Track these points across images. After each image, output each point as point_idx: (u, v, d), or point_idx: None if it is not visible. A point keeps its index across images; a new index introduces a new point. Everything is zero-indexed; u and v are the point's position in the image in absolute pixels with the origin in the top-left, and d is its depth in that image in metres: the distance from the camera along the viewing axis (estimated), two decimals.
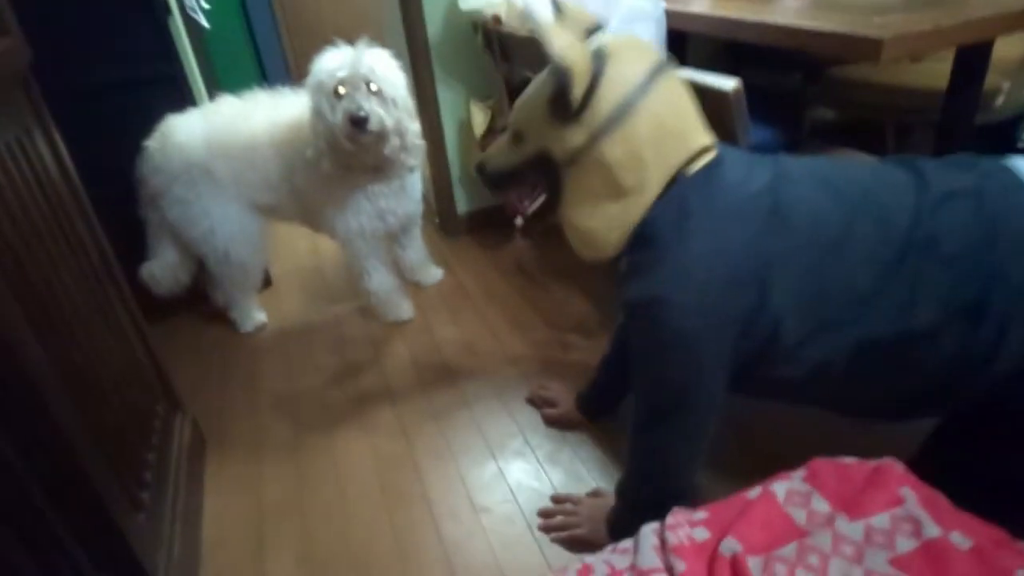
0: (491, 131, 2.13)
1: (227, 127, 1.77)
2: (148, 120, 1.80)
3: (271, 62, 4.42)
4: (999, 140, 1.90)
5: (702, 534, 0.69)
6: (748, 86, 1.07)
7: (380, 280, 1.91)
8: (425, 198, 2.02)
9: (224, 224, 1.82)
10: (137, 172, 1.79)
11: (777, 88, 2.13)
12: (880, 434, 0.99)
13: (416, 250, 2.13)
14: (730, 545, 0.66)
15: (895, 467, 0.74)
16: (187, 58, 2.26)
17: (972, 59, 1.28)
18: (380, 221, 1.82)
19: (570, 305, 1.97)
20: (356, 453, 1.49)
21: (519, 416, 1.53)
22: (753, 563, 0.64)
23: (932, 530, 0.66)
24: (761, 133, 1.35)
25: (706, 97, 0.99)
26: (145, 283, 1.86)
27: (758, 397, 1.01)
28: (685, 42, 1.91)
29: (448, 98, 2.26)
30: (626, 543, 0.71)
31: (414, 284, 2.17)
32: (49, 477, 0.88)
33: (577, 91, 0.85)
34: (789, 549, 0.65)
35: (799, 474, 0.75)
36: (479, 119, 2.16)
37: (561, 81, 0.85)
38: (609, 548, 0.73)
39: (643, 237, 0.89)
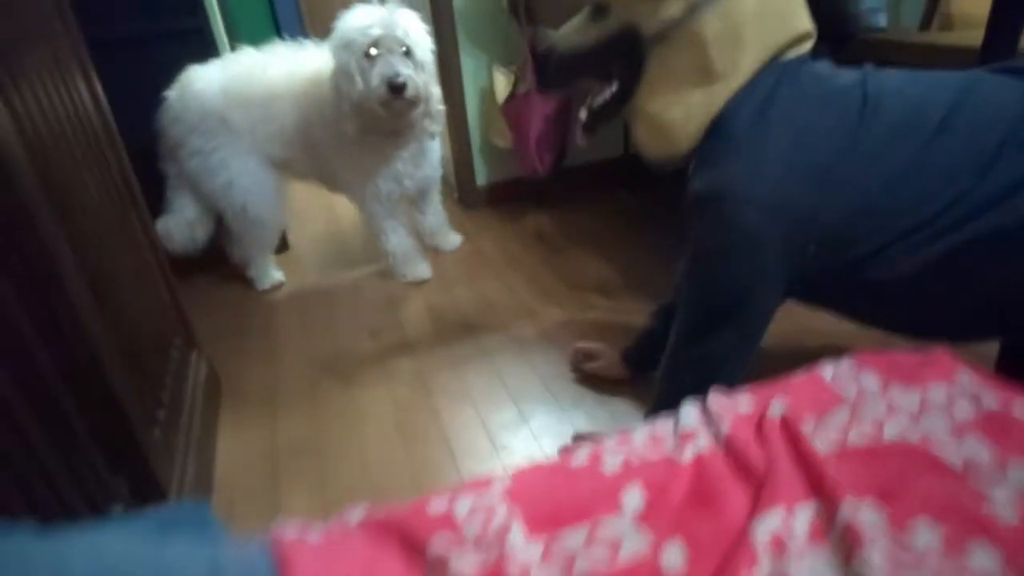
0: (513, 97, 2.12)
1: (245, 77, 1.76)
2: (174, 73, 1.81)
3: (285, 15, 4.41)
4: None
5: (746, 405, 0.66)
6: None
7: (398, 241, 1.90)
8: (444, 167, 2.00)
9: (242, 177, 1.81)
10: (156, 124, 1.79)
11: None
12: None
13: (435, 214, 2.11)
14: (778, 408, 0.63)
15: (948, 355, 0.71)
16: (212, 11, 2.27)
17: None
18: (397, 184, 1.81)
19: (591, 269, 1.94)
20: (374, 397, 1.46)
21: (540, 367, 1.50)
22: (806, 424, 0.60)
23: (991, 403, 0.62)
24: None
25: None
26: (160, 239, 1.85)
27: (834, 308, 0.94)
28: None
29: (470, 65, 2.25)
30: (665, 416, 0.68)
31: (432, 249, 2.15)
32: (72, 377, 0.87)
33: None
34: (841, 414, 0.62)
35: (845, 360, 0.72)
36: (501, 85, 2.15)
37: None
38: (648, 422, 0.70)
39: (719, 128, 0.85)
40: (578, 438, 1.23)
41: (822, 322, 1.07)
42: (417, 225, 2.10)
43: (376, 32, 1.50)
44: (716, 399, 0.67)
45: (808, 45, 0.85)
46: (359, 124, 1.62)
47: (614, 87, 0.94)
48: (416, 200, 2.03)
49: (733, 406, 0.65)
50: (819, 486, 0.54)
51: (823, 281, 0.88)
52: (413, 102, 1.58)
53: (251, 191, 1.84)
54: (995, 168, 0.75)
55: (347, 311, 1.87)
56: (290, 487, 1.23)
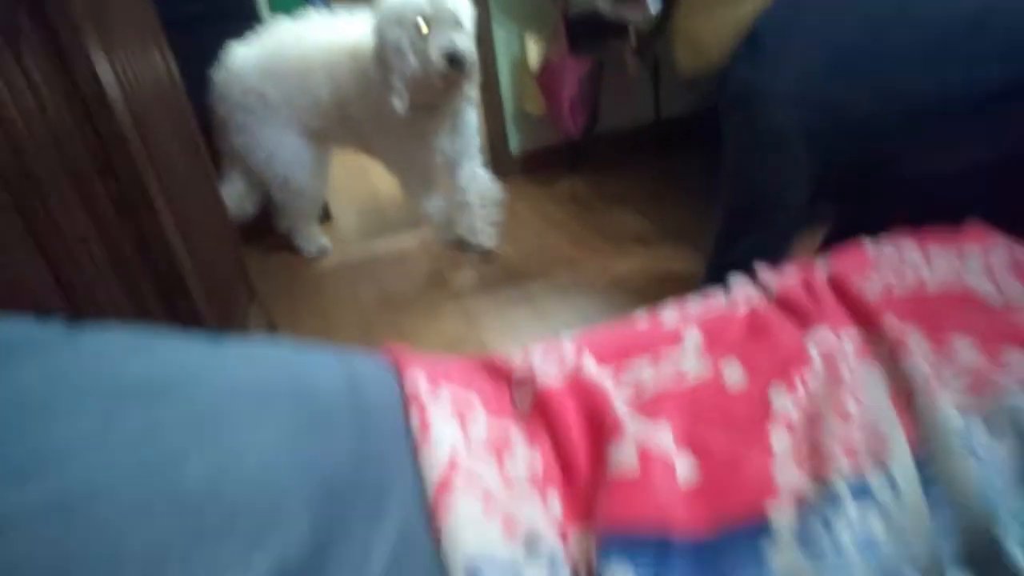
0: (546, 63, 2.17)
1: (278, 51, 1.79)
2: (223, 50, 1.90)
3: None
4: None
5: (793, 272, 0.70)
6: None
7: (435, 206, 1.91)
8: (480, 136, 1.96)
9: (281, 150, 1.86)
10: (207, 101, 1.88)
11: None
12: None
13: (470, 204, 1.90)
14: (823, 271, 0.68)
15: (981, 225, 0.74)
16: None
17: None
18: (432, 156, 1.80)
19: (627, 223, 1.99)
20: (421, 333, 1.53)
21: (582, 308, 1.55)
22: (851, 280, 0.65)
23: (1022, 252, 0.67)
24: None
25: None
26: None
27: (871, 216, 0.96)
28: None
29: (502, 35, 2.31)
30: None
31: (468, 247, 1.96)
32: (164, 296, 0.95)
33: None
34: (884, 272, 0.66)
35: (882, 237, 0.76)
36: (534, 52, 2.21)
37: None
38: None
39: (750, 38, 0.90)
40: None
41: None
42: (452, 199, 1.94)
43: (427, 6, 1.50)
44: (763, 271, 0.72)
45: None
46: (412, 98, 1.61)
47: (658, 9, 0.99)
48: (452, 175, 1.92)
49: (780, 274, 0.70)
50: (863, 316, 0.59)
51: (858, 182, 0.92)
52: (469, 73, 1.58)
53: (291, 163, 1.90)
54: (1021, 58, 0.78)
55: (392, 271, 1.95)
56: None
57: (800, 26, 0.86)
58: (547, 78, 2.18)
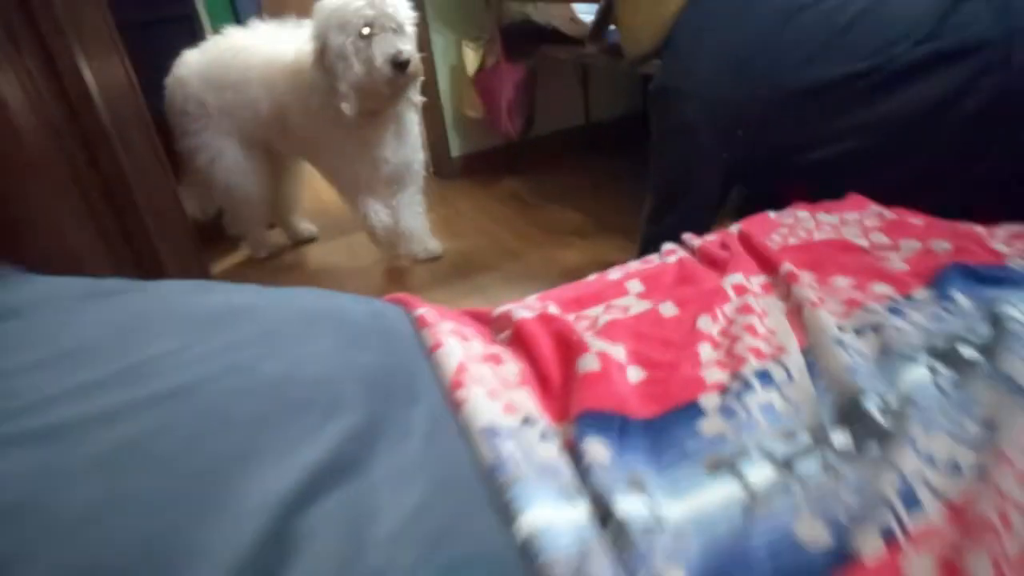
0: (482, 69, 2.31)
1: (220, 61, 1.80)
2: (167, 57, 1.93)
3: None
4: None
5: (711, 235, 0.85)
6: None
7: (379, 221, 1.86)
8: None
9: (222, 157, 1.86)
10: (160, 106, 1.90)
11: None
12: None
13: (414, 216, 1.95)
14: (735, 230, 0.83)
15: (861, 196, 0.92)
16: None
17: None
18: (375, 168, 1.79)
19: (565, 217, 2.14)
20: None
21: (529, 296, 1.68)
22: (756, 236, 0.80)
23: (891, 215, 0.84)
24: None
25: None
26: None
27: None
28: None
29: (440, 43, 2.43)
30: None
31: (409, 257, 2.00)
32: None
33: None
34: (783, 230, 0.82)
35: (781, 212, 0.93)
36: (471, 58, 2.34)
37: None
38: None
39: (671, 37, 1.05)
40: None
41: None
42: (396, 225, 1.94)
43: (369, 12, 1.51)
44: (687, 236, 0.87)
45: None
46: (360, 104, 1.62)
47: (589, 19, 1.15)
48: (394, 190, 1.91)
49: (702, 238, 0.85)
50: (767, 264, 0.74)
51: (760, 166, 1.08)
52: (413, 77, 1.62)
53: (233, 170, 1.89)
54: (892, 58, 0.97)
55: (345, 269, 2.03)
56: None
57: (707, 34, 1.03)
58: (485, 83, 2.31)
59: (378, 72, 1.53)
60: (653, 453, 0.52)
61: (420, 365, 0.52)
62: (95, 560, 0.34)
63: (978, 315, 0.62)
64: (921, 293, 0.67)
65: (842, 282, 0.70)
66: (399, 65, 1.52)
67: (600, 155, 2.68)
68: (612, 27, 1.34)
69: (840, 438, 0.51)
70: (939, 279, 0.67)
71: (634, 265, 0.81)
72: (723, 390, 0.57)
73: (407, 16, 1.60)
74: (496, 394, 0.51)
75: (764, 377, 0.57)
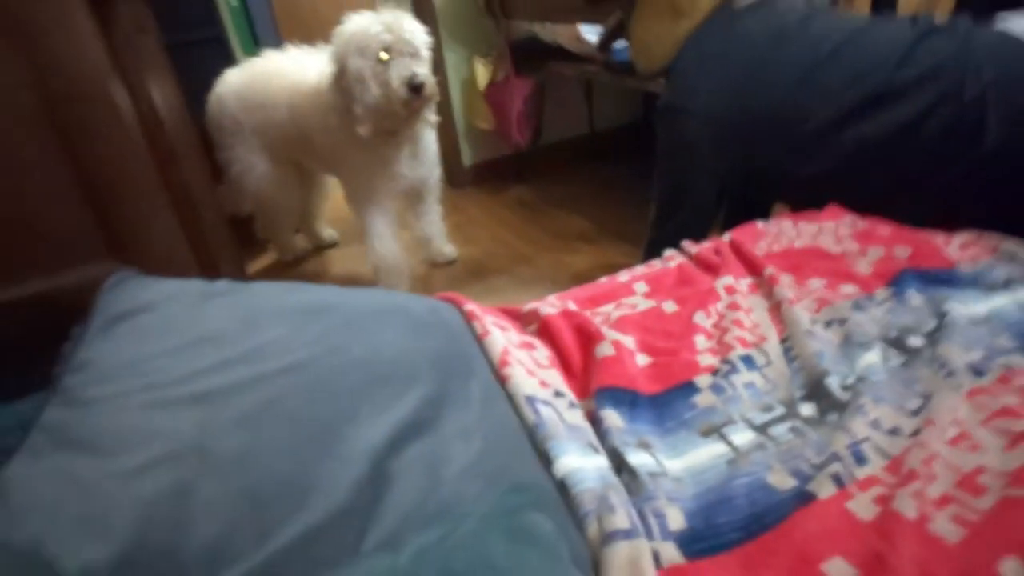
0: (493, 83, 2.44)
1: (253, 83, 1.92)
2: (200, 77, 2.06)
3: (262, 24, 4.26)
4: None
5: (706, 242, 0.98)
6: None
7: (384, 249, 1.94)
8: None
9: (253, 171, 2.00)
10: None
11: None
12: None
13: (431, 224, 2.09)
14: (727, 239, 0.95)
15: (839, 206, 1.04)
16: (227, 22, 2.52)
17: None
18: (392, 184, 1.87)
19: (572, 223, 2.26)
20: None
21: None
22: (745, 243, 0.93)
23: (862, 225, 0.96)
24: None
25: None
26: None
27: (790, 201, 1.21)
28: None
29: (452, 59, 2.56)
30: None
31: (429, 262, 2.15)
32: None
33: None
34: (768, 238, 0.95)
35: (772, 217, 1.05)
36: (482, 73, 2.47)
37: None
38: None
39: (680, 57, 1.17)
40: None
41: None
42: (412, 231, 2.11)
43: (387, 37, 1.57)
44: (685, 243, 0.99)
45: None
46: (376, 126, 1.69)
47: (617, 18, 1.26)
48: (412, 201, 2.05)
49: (697, 245, 0.98)
50: (753, 268, 0.87)
51: (766, 179, 1.20)
52: (428, 99, 1.68)
53: (263, 181, 2.02)
54: (863, 84, 1.09)
55: (367, 274, 2.15)
56: None
57: (708, 57, 1.15)
58: (495, 97, 2.44)
59: (395, 94, 1.59)
60: (657, 421, 0.65)
61: (473, 349, 0.65)
62: (246, 489, 0.47)
63: (927, 311, 0.75)
64: (881, 292, 0.79)
65: (816, 283, 0.83)
66: (415, 88, 1.58)
67: (604, 163, 2.81)
68: (620, 44, 1.47)
69: (807, 409, 0.64)
70: (897, 280, 0.80)
71: (640, 269, 0.94)
72: (714, 372, 0.69)
73: (423, 41, 1.66)
74: (532, 373, 0.64)
75: (748, 361, 0.70)
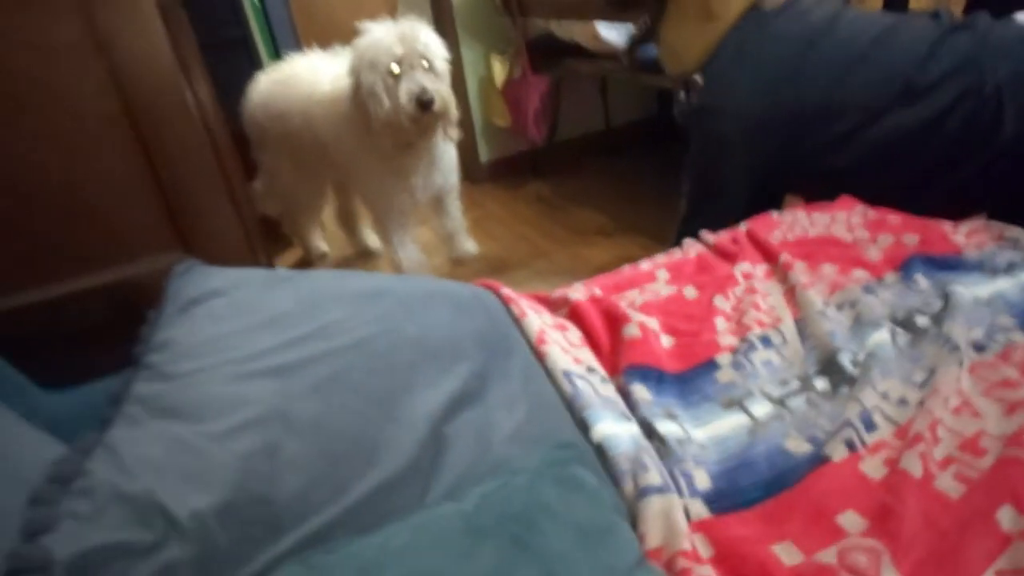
0: (510, 80, 2.49)
1: (273, 90, 1.94)
2: (228, 77, 2.12)
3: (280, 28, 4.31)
4: None
5: (723, 232, 1.03)
6: None
7: (406, 255, 1.93)
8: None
9: (279, 173, 2.06)
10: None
11: None
12: None
13: (452, 220, 2.08)
14: (743, 228, 1.01)
15: (851, 197, 1.09)
16: (253, 24, 2.58)
17: None
18: (410, 196, 1.83)
19: (589, 218, 2.32)
20: None
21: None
22: (761, 232, 0.98)
23: (873, 215, 1.01)
24: None
25: None
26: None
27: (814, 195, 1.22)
28: None
29: (469, 57, 2.62)
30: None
31: (451, 258, 2.15)
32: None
33: None
34: (783, 227, 1.00)
35: (785, 208, 1.10)
36: (499, 70, 2.52)
37: None
38: None
39: (717, 57, 1.20)
40: None
41: None
42: (434, 228, 2.15)
43: (399, 50, 1.53)
44: (704, 233, 1.05)
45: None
46: (392, 139, 1.70)
47: (647, 21, 1.30)
48: (433, 206, 2.04)
49: (715, 234, 1.03)
50: (769, 255, 0.92)
51: (796, 172, 1.24)
52: (440, 115, 1.63)
53: (288, 184, 2.08)
54: (892, 83, 1.13)
55: (386, 267, 2.22)
56: None
57: (745, 58, 1.19)
58: (512, 93, 2.49)
59: (402, 110, 1.55)
60: (682, 396, 0.71)
61: (512, 329, 0.71)
62: (324, 448, 0.53)
63: (933, 293, 0.80)
64: (890, 277, 0.84)
65: (828, 269, 0.88)
66: (423, 104, 1.54)
67: (619, 158, 2.86)
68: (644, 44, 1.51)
69: (821, 383, 0.70)
70: (905, 265, 0.85)
71: (660, 258, 0.99)
72: (734, 351, 0.75)
73: (439, 54, 1.61)
74: (567, 351, 0.70)
75: (765, 341, 0.75)
